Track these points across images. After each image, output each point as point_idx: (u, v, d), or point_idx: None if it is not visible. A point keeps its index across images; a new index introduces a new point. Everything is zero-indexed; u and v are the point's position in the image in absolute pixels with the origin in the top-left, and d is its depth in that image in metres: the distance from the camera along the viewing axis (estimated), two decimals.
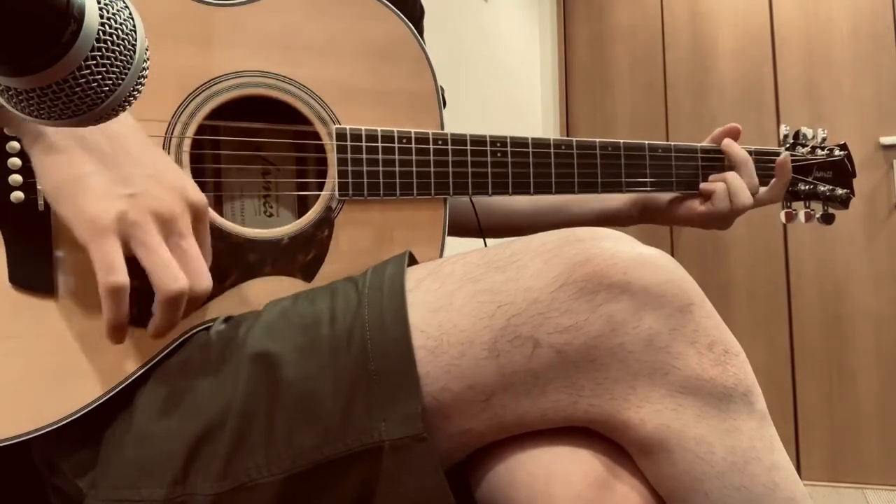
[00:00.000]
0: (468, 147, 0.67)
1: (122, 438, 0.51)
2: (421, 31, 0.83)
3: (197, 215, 0.51)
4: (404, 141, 0.64)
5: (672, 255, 0.54)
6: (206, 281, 0.50)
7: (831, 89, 2.39)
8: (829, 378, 2.35)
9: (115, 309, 0.47)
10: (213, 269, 0.56)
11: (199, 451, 0.49)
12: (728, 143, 0.84)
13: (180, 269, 0.48)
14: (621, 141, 0.77)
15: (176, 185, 0.50)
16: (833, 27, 2.41)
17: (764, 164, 0.88)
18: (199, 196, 0.51)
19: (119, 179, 0.48)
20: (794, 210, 0.93)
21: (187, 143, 0.56)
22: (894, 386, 2.28)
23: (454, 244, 0.66)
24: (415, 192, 0.65)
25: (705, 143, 0.86)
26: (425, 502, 0.48)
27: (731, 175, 0.82)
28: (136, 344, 0.53)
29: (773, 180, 0.85)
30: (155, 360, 0.53)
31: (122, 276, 0.46)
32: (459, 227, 0.87)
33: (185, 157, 0.56)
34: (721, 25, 2.56)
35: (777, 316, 2.42)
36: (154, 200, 0.48)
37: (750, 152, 0.86)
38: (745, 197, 0.81)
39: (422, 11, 0.85)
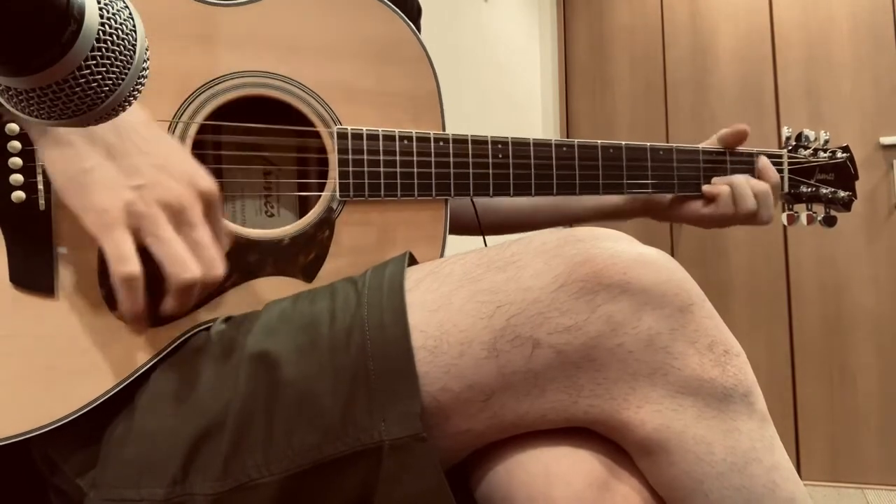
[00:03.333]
0: (469, 148, 0.67)
1: (123, 438, 0.51)
2: (418, 30, 0.83)
3: (208, 203, 0.51)
4: (405, 141, 0.64)
5: (672, 255, 0.54)
6: (217, 269, 0.50)
7: (831, 89, 2.39)
8: (829, 378, 2.35)
9: (130, 298, 0.49)
10: None
11: (199, 450, 0.49)
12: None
13: (192, 258, 0.49)
14: (623, 143, 0.77)
15: (185, 175, 0.50)
16: (833, 27, 2.40)
17: None
18: (209, 184, 0.51)
19: (127, 170, 0.48)
20: (796, 213, 0.93)
21: (189, 143, 0.56)
22: (894, 386, 2.28)
23: (454, 244, 0.66)
24: (416, 192, 0.64)
25: (706, 145, 0.86)
26: (425, 502, 0.48)
27: (736, 179, 0.82)
28: (135, 344, 0.53)
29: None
30: (155, 360, 0.53)
31: (133, 266, 0.47)
32: (459, 225, 0.87)
33: None
34: (721, 25, 2.56)
35: (777, 316, 2.42)
36: (163, 191, 0.49)
37: (751, 154, 0.86)
38: (750, 202, 0.81)
39: (419, 10, 0.85)
